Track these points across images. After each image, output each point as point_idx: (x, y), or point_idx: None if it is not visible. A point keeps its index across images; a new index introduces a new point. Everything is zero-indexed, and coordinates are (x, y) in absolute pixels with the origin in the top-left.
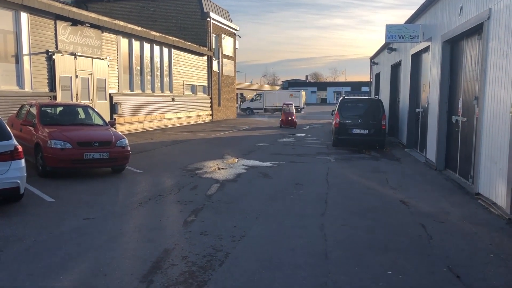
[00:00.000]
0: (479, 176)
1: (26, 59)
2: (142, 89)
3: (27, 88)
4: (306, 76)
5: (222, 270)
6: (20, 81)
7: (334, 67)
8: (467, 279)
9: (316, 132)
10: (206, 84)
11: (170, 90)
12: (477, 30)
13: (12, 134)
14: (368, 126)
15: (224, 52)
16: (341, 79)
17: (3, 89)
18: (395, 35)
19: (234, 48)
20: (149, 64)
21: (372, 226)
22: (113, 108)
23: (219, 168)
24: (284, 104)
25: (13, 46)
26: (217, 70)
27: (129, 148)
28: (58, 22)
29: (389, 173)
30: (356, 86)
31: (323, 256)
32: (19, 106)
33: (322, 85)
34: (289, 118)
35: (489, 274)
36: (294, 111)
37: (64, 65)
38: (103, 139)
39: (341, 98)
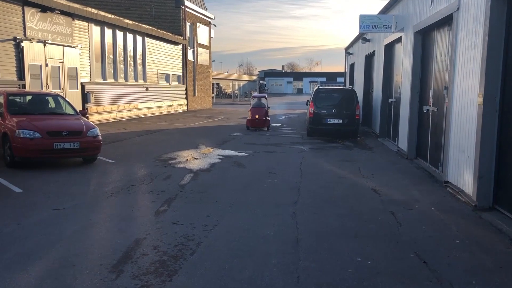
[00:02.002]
0: (448, 165)
1: None
2: (115, 78)
3: None
4: (283, 66)
5: (193, 259)
6: None
7: (310, 58)
8: (433, 264)
9: (291, 122)
10: (181, 74)
11: (144, 79)
12: (447, 21)
13: None
14: (342, 116)
15: (199, 41)
16: (317, 69)
17: None
18: (368, 25)
19: (210, 37)
20: (122, 53)
21: (343, 213)
22: (85, 97)
23: (193, 158)
24: (253, 97)
25: None
26: (192, 59)
27: (100, 138)
28: (26, 8)
29: (361, 162)
30: (331, 77)
31: (294, 244)
32: None
33: (298, 75)
34: (256, 116)
35: (454, 259)
36: (266, 107)
37: (33, 52)
38: (74, 128)
39: (315, 88)
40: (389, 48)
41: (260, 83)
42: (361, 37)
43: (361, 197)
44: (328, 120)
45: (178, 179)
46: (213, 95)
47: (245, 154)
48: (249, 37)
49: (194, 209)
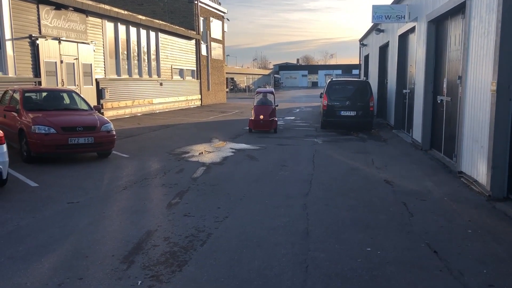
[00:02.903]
0: (462, 155)
1: (8, 44)
2: (129, 73)
3: (11, 73)
4: (297, 60)
5: (203, 250)
6: (3, 67)
7: (325, 50)
8: (444, 254)
9: (305, 115)
10: (195, 68)
11: (158, 74)
12: (460, 9)
13: None
14: (356, 108)
15: (212, 36)
16: (332, 62)
17: None
18: (381, 16)
19: (223, 32)
20: (136, 49)
21: (354, 205)
22: (100, 93)
23: (206, 152)
24: (257, 92)
25: None
26: (205, 54)
27: (114, 133)
28: (40, 6)
29: (375, 153)
30: (347, 69)
31: (304, 235)
32: (2, 92)
33: (313, 68)
34: (261, 116)
35: (465, 248)
36: (273, 105)
37: (48, 50)
38: (88, 123)
39: (329, 81)
40: (403, 39)
41: (274, 77)
42: (375, 28)
43: (373, 189)
44: (342, 112)
45: (190, 172)
46: (227, 89)
47: (257, 148)
48: (263, 31)
49: (205, 202)
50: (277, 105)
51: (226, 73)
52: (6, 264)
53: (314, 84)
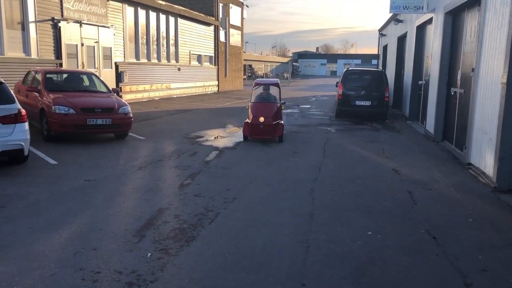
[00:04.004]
0: (471, 146)
1: (32, 27)
2: (148, 58)
3: (34, 55)
4: (317, 48)
5: (211, 227)
6: (26, 48)
7: (346, 39)
8: (442, 240)
9: (321, 104)
10: (213, 54)
11: (176, 59)
12: (477, 1)
13: (16, 98)
14: (371, 97)
15: (231, 22)
16: (352, 51)
17: (10, 55)
18: (399, 6)
19: (242, 18)
20: (155, 33)
21: (360, 191)
22: (119, 77)
23: (220, 137)
24: (256, 84)
25: (19, 13)
26: (224, 40)
27: (131, 115)
28: None
29: (387, 143)
30: (366, 59)
31: (308, 217)
32: (26, 72)
33: (332, 57)
34: (261, 119)
35: (463, 236)
36: (278, 102)
37: (69, 32)
38: (106, 105)
39: (345, 70)
40: (421, 30)
41: (293, 65)
42: (394, 18)
43: (380, 177)
44: (357, 101)
45: (203, 155)
46: (244, 76)
47: None
48: (284, 18)
49: (216, 183)
50: (283, 103)
51: (244, 60)
52: (26, 233)
53: (333, 73)
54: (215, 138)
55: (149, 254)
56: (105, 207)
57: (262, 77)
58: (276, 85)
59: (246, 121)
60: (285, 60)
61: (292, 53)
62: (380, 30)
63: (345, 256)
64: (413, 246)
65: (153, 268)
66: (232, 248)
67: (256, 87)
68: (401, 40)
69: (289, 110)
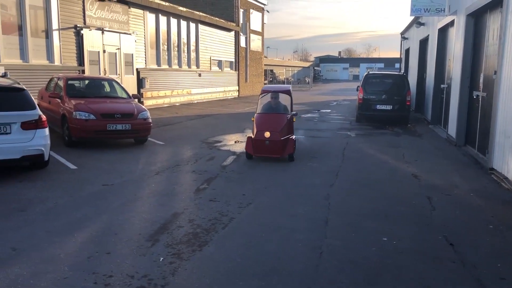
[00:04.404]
0: (494, 151)
1: (55, 34)
2: (169, 64)
3: (57, 62)
4: (339, 52)
5: (224, 232)
6: (50, 55)
7: (368, 43)
8: (460, 246)
9: (342, 108)
10: (233, 60)
11: (197, 65)
12: (499, 2)
13: (36, 104)
14: (392, 102)
15: (252, 27)
16: (375, 55)
17: (34, 63)
18: (420, 9)
19: (263, 23)
20: (176, 40)
21: (377, 197)
22: (140, 83)
23: (238, 142)
24: (263, 91)
25: (43, 21)
26: (244, 46)
27: (150, 121)
28: None
29: (407, 148)
30: (389, 62)
31: (323, 223)
32: (49, 79)
33: (354, 61)
34: (267, 134)
35: (482, 242)
36: (289, 113)
37: (92, 40)
38: (126, 111)
39: (365, 74)
40: (443, 32)
41: (314, 69)
42: (416, 21)
43: (399, 182)
44: (378, 106)
45: (221, 160)
46: (265, 81)
47: None
48: (306, 23)
49: (231, 188)
50: (295, 114)
51: (265, 65)
52: (43, 237)
53: (355, 78)
54: (234, 142)
55: (161, 259)
56: (121, 212)
57: (283, 82)
58: (287, 92)
59: (249, 135)
60: (307, 64)
61: (314, 57)
62: (402, 33)
63: (358, 262)
64: (429, 253)
65: (165, 273)
66: (244, 253)
67: (263, 95)
68: (423, 43)
69: (309, 115)
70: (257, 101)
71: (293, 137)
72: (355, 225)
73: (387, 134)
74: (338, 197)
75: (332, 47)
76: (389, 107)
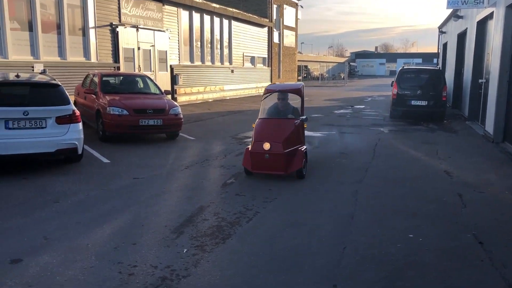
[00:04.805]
0: None
1: (92, 32)
2: (202, 60)
3: (93, 59)
4: (376, 48)
5: (248, 226)
6: (86, 53)
7: (406, 38)
8: (490, 245)
9: (376, 104)
10: (266, 56)
11: (230, 62)
12: None
13: (72, 100)
14: (427, 97)
15: (285, 23)
16: (413, 50)
17: (71, 60)
18: (457, 1)
19: (296, 19)
20: (209, 36)
21: (407, 193)
22: (174, 79)
23: None
24: (267, 91)
25: (80, 19)
26: (277, 42)
27: (181, 116)
28: None
29: (441, 144)
30: (427, 58)
31: (348, 219)
32: (85, 75)
33: (391, 57)
34: (266, 146)
35: None
36: (298, 118)
37: (127, 37)
38: (158, 107)
39: (400, 69)
40: (481, 25)
41: (350, 65)
42: (454, 15)
43: (430, 179)
44: (412, 101)
45: None
46: (299, 77)
47: (319, 135)
48: (341, 18)
49: (258, 183)
50: (305, 119)
51: (299, 60)
52: (73, 227)
53: (392, 73)
54: None
55: (185, 250)
56: (149, 204)
57: (317, 78)
58: (297, 92)
59: (248, 147)
60: (342, 60)
61: (350, 53)
62: (440, 27)
63: (382, 259)
64: (456, 251)
65: (187, 264)
66: (267, 247)
67: (268, 95)
68: (461, 37)
69: (342, 111)
70: (261, 103)
71: (303, 148)
72: (382, 222)
73: (421, 130)
74: (366, 193)
75: (369, 43)
76: (424, 103)
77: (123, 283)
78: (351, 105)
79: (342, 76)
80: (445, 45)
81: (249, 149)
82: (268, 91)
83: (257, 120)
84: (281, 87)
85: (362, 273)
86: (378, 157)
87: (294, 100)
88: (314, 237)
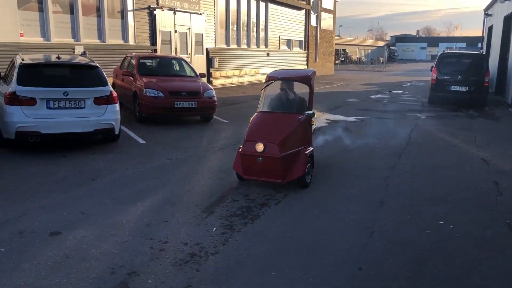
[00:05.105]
0: None
1: (130, 15)
2: (238, 44)
3: (131, 41)
4: (417, 31)
5: (276, 208)
6: (124, 35)
7: (449, 21)
8: None
9: (415, 89)
10: (303, 39)
11: (266, 45)
12: None
13: (110, 81)
14: (468, 83)
15: (323, 6)
16: (457, 33)
17: (110, 42)
18: None
19: (335, 1)
20: (245, 19)
21: (440, 180)
22: (209, 62)
23: None
24: (269, 78)
25: (119, 2)
26: (314, 25)
27: (215, 99)
28: None
29: (480, 131)
30: (472, 42)
31: (378, 204)
32: (123, 58)
33: (433, 41)
34: (259, 146)
35: None
36: (304, 114)
37: (164, 20)
38: (192, 89)
39: (440, 53)
40: None
41: (390, 49)
42: None
43: (466, 166)
44: (452, 87)
45: None
46: (337, 61)
47: (354, 120)
48: (382, 1)
49: None
50: (312, 114)
51: (337, 44)
52: (109, 204)
53: (434, 58)
54: None
55: (214, 229)
56: (181, 184)
57: (355, 62)
58: (305, 80)
59: (239, 149)
60: (381, 44)
61: (390, 36)
62: (486, 9)
63: (409, 244)
64: (487, 239)
65: (216, 242)
66: (294, 229)
67: (269, 83)
68: (508, 20)
69: (379, 96)
70: (261, 92)
71: (309, 150)
72: (412, 208)
73: (460, 116)
74: (398, 179)
75: (410, 26)
76: (464, 89)
77: (154, 258)
78: (389, 90)
79: (381, 60)
80: (490, 29)
81: (241, 151)
82: (270, 79)
83: (257, 113)
84: (285, 74)
85: (388, 257)
86: (413, 143)
87: (305, 90)
88: (341, 221)
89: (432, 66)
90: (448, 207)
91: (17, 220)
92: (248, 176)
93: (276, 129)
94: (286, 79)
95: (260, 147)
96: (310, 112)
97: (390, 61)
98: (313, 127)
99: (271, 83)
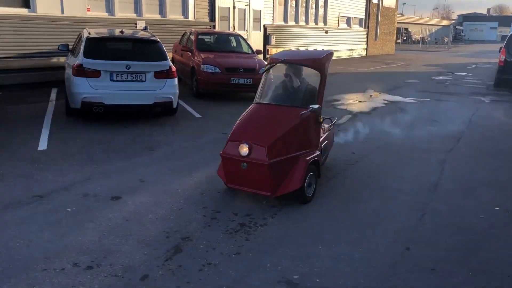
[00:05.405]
0: None
1: None
2: (296, 21)
3: (190, 17)
4: (488, 10)
5: (327, 185)
6: (184, 11)
7: None
8: None
9: (480, 71)
10: (363, 17)
11: (324, 22)
12: None
13: (170, 56)
14: None
15: None
16: None
17: (171, 18)
18: None
19: None
20: None
21: (499, 166)
22: (266, 39)
23: (357, 101)
24: (272, 60)
25: None
26: (376, 2)
27: None
28: None
29: None
30: None
31: (432, 187)
32: (182, 33)
33: (505, 20)
34: (242, 149)
35: None
36: (308, 107)
37: None
38: (248, 66)
39: (510, 33)
40: None
41: (456, 28)
42: None
43: None
44: None
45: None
46: (398, 40)
47: (412, 101)
48: None
49: (341, 146)
50: (318, 108)
51: (399, 22)
52: (167, 174)
53: (504, 38)
54: (351, 102)
55: (264, 202)
56: None
57: (418, 42)
58: (314, 64)
59: (221, 151)
60: (447, 23)
61: (457, 15)
62: None
63: (461, 227)
64: None
65: (265, 214)
66: (344, 206)
67: (271, 65)
68: None
69: (441, 77)
70: (262, 77)
71: (312, 156)
72: (467, 192)
73: None
74: (455, 162)
75: (480, 4)
76: None
77: (206, 226)
78: (452, 72)
79: (446, 41)
80: None
81: (224, 153)
82: (272, 61)
83: (253, 104)
84: (291, 56)
85: (437, 239)
86: (474, 127)
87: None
88: (393, 201)
89: (501, 47)
90: (506, 193)
91: (82, 184)
92: (231, 184)
93: (268, 127)
94: (290, 62)
95: (244, 149)
96: (316, 106)
97: (456, 41)
98: (323, 123)
99: (274, 65)
